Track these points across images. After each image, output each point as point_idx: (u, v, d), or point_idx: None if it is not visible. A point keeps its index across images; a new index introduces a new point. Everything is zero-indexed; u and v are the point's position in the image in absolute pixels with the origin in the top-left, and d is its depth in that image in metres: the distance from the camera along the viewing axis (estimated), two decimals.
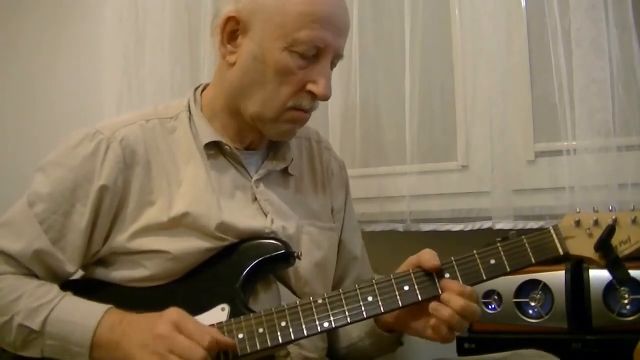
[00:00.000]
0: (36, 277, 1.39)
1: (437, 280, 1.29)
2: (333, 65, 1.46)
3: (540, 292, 1.66)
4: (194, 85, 1.60)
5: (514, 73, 1.96)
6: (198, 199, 1.40)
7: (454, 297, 1.26)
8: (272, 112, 1.42)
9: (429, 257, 1.31)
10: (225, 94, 1.48)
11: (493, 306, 1.70)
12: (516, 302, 1.68)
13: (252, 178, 1.48)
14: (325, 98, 1.42)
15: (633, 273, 1.55)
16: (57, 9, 2.70)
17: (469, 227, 1.99)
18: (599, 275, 1.61)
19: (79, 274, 1.46)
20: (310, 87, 1.40)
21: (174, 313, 1.26)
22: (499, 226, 1.92)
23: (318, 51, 1.39)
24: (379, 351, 1.49)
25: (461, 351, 1.71)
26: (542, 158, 1.96)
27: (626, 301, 1.59)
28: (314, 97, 1.42)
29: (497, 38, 1.94)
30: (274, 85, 1.40)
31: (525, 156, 1.97)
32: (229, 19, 1.43)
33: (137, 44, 2.34)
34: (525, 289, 1.67)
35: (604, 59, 1.79)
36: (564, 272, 1.65)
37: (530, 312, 1.67)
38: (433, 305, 1.27)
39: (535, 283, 1.66)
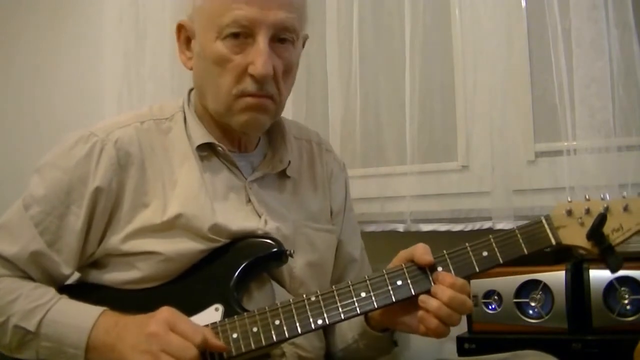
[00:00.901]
0: (32, 279, 1.39)
1: (429, 274, 1.29)
2: (284, 40, 1.40)
3: (540, 292, 1.66)
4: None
5: (514, 73, 1.96)
6: (191, 201, 1.40)
7: (442, 289, 1.26)
8: (222, 104, 1.41)
9: (422, 252, 1.30)
10: (197, 98, 1.49)
11: (493, 306, 1.70)
12: (516, 302, 1.68)
13: (245, 179, 1.48)
14: (263, 76, 1.37)
15: (633, 273, 1.56)
16: (57, 9, 2.71)
17: (469, 227, 1.99)
18: (599, 275, 1.61)
19: (74, 277, 1.45)
20: (249, 69, 1.37)
21: (166, 312, 1.26)
22: (499, 226, 1.92)
23: (247, 30, 1.36)
24: (374, 352, 1.48)
25: (461, 351, 1.70)
26: (542, 158, 1.96)
27: (626, 301, 1.59)
28: (255, 78, 1.38)
29: (497, 38, 1.95)
30: (215, 78, 1.39)
31: (525, 156, 1.97)
32: (179, 28, 1.47)
33: (137, 44, 2.35)
34: (525, 289, 1.68)
35: (604, 59, 1.79)
36: (564, 272, 1.65)
37: (530, 312, 1.67)
38: (422, 297, 1.27)
39: (535, 283, 1.66)
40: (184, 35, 1.47)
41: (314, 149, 1.62)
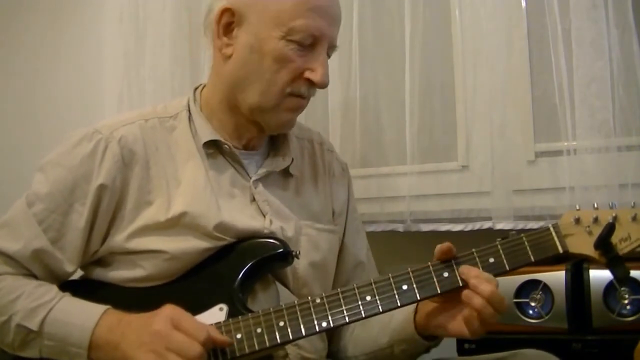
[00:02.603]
0: (35, 277, 1.39)
1: (435, 280, 1.29)
2: (327, 56, 1.46)
3: (540, 292, 1.66)
4: (194, 85, 1.60)
5: (514, 73, 1.96)
6: (196, 199, 1.40)
7: (482, 282, 1.24)
8: (271, 100, 1.42)
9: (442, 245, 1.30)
10: (223, 89, 1.48)
11: None
12: (516, 302, 1.68)
13: (250, 178, 1.48)
14: (323, 85, 1.43)
15: (633, 273, 1.55)
16: (57, 10, 2.70)
17: (469, 227, 1.99)
18: (599, 275, 1.61)
19: (78, 274, 1.46)
20: (307, 74, 1.41)
21: (170, 309, 1.26)
22: (499, 226, 1.93)
23: (314, 40, 1.40)
24: (406, 358, 1.45)
25: (461, 351, 1.70)
26: (542, 158, 1.96)
27: (626, 301, 1.59)
28: (311, 84, 1.43)
29: (497, 38, 1.95)
30: (271, 74, 1.41)
31: (525, 156, 1.97)
32: (224, 11, 1.44)
33: (137, 44, 2.35)
34: (525, 289, 1.67)
35: (604, 59, 1.79)
36: (564, 272, 1.65)
37: (530, 312, 1.67)
38: (466, 293, 1.25)
39: (535, 283, 1.66)
40: (226, 21, 1.44)
41: (316, 149, 1.62)
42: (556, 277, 1.65)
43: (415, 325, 1.39)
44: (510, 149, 1.96)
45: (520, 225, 1.90)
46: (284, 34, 1.39)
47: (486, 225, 1.96)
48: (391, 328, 1.43)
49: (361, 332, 1.52)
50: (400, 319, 1.40)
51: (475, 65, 2.00)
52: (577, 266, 1.65)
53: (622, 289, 1.59)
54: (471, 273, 1.26)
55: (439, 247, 1.30)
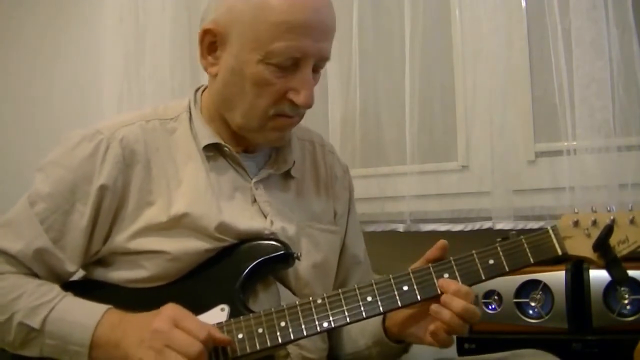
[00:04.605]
0: (37, 276, 1.39)
1: (435, 280, 1.29)
2: (319, 67, 1.43)
3: (540, 292, 1.66)
4: (193, 85, 1.60)
5: (514, 73, 1.96)
6: (197, 200, 1.40)
7: (454, 299, 1.25)
8: (254, 122, 1.41)
9: (433, 249, 1.32)
10: (214, 104, 1.48)
11: (493, 306, 1.70)
12: (516, 302, 1.68)
13: (251, 179, 1.48)
14: (307, 106, 1.39)
15: (633, 273, 1.56)
16: (57, 9, 2.71)
17: (469, 227, 1.99)
18: (599, 275, 1.61)
19: (79, 274, 1.46)
20: (290, 95, 1.38)
21: (171, 308, 1.26)
22: (499, 226, 1.93)
23: (296, 60, 1.36)
24: (386, 359, 1.48)
25: (461, 351, 1.70)
26: (542, 158, 1.97)
27: (626, 301, 1.59)
28: (294, 104, 1.39)
29: (497, 38, 1.95)
30: (252, 97, 1.38)
31: (525, 156, 1.97)
32: (206, 32, 1.41)
33: (137, 44, 2.35)
34: (525, 289, 1.67)
35: (604, 59, 1.79)
36: (564, 272, 1.65)
37: (530, 312, 1.67)
38: (434, 307, 1.27)
39: (535, 283, 1.66)
40: (209, 41, 1.42)
41: (317, 150, 1.62)
42: (556, 277, 1.65)
43: (385, 330, 1.41)
44: (510, 149, 1.96)
45: (520, 225, 1.90)
46: (262, 57, 1.35)
47: (486, 225, 1.96)
48: (368, 330, 1.45)
49: (346, 333, 1.53)
50: (372, 323, 1.42)
51: (475, 65, 2.00)
52: (577, 266, 1.65)
53: (622, 289, 1.59)
54: (450, 288, 1.27)
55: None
